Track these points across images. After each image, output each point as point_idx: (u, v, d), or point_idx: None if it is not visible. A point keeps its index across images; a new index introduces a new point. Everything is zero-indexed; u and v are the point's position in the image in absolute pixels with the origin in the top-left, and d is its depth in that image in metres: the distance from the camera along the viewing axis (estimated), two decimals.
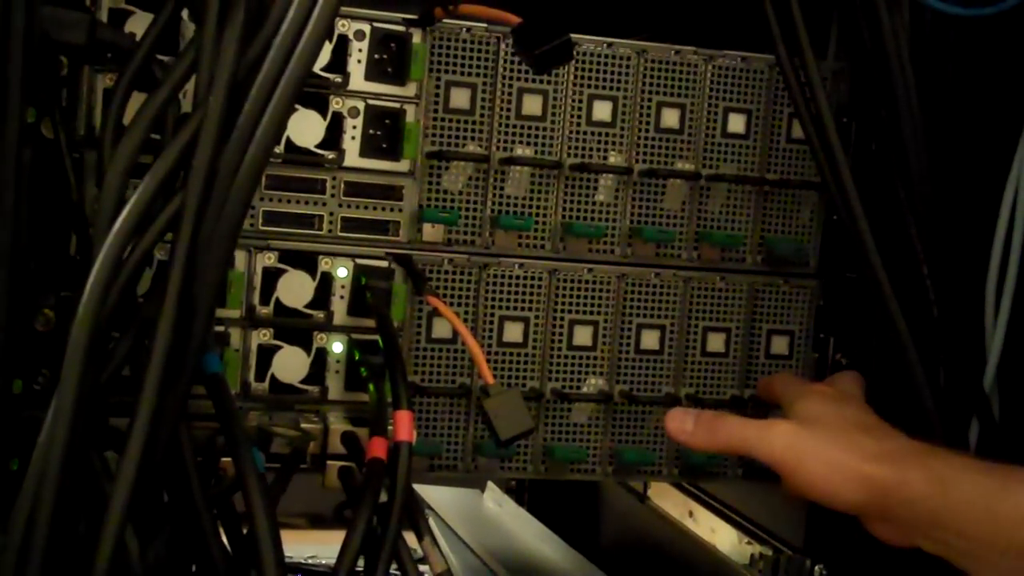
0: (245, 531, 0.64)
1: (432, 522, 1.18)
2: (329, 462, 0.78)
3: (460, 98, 0.82)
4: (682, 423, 0.78)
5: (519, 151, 0.83)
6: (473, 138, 0.82)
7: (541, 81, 0.83)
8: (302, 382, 0.80)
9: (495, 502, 1.33)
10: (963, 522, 0.68)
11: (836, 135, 0.78)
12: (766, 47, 0.85)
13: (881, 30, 0.78)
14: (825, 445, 0.73)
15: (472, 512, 1.30)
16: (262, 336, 0.79)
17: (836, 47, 0.90)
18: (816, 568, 0.91)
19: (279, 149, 0.78)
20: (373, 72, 0.79)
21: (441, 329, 0.82)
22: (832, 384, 0.82)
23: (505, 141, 0.83)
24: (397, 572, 0.69)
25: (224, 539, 0.69)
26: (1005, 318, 0.78)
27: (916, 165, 0.79)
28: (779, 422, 0.76)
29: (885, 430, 0.75)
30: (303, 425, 0.78)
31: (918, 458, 0.71)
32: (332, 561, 0.67)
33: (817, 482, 0.72)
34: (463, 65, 0.82)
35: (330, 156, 0.79)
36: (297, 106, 0.77)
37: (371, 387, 0.78)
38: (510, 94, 0.83)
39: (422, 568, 0.71)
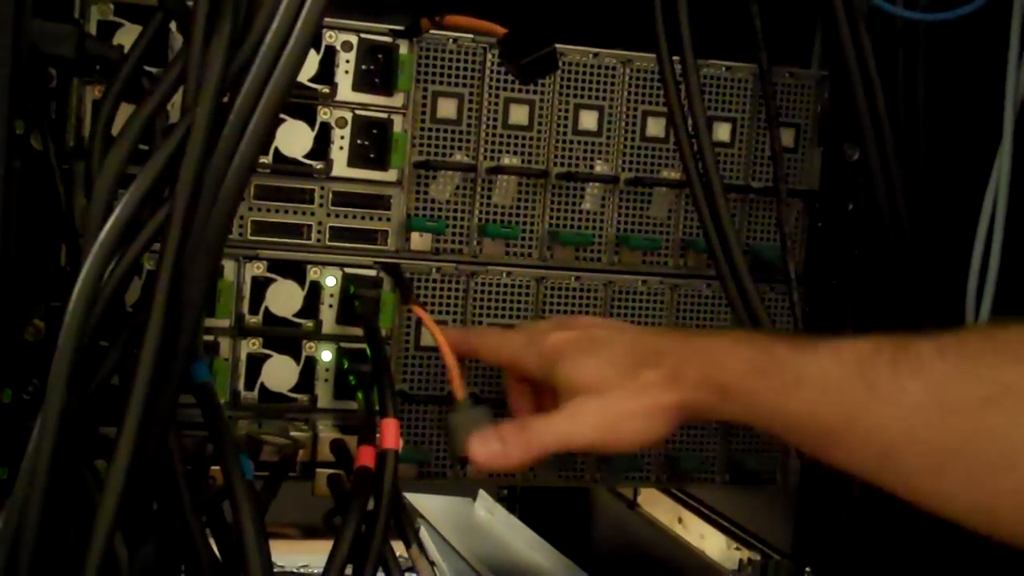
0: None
1: (424, 531, 1.19)
2: (318, 470, 0.79)
3: (447, 108, 0.82)
4: (487, 447, 0.72)
5: (506, 160, 0.84)
6: (460, 148, 0.83)
7: (527, 91, 0.84)
8: (291, 390, 0.81)
9: (486, 510, 1.33)
10: (756, 412, 0.66)
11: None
12: (750, 57, 0.86)
13: (840, 38, 0.79)
14: (619, 402, 0.70)
15: (463, 520, 1.30)
16: (251, 345, 0.80)
17: (820, 56, 0.91)
18: (804, 572, 0.91)
19: (268, 159, 0.78)
20: (361, 83, 0.80)
21: (429, 337, 0.83)
22: (559, 324, 0.79)
23: (492, 150, 0.83)
24: None
25: (213, 547, 0.69)
26: (986, 320, 0.79)
27: (894, 172, 0.80)
28: (576, 404, 0.71)
29: (644, 346, 0.72)
30: (292, 433, 0.79)
31: (690, 368, 0.68)
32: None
33: (630, 438, 0.70)
34: (450, 75, 0.82)
35: (318, 166, 0.80)
36: (285, 117, 0.78)
37: (360, 395, 0.79)
38: (497, 104, 0.83)
39: None
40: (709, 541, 1.01)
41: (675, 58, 0.80)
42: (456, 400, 0.76)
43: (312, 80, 0.79)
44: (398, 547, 0.71)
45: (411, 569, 0.72)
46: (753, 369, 0.66)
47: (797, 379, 0.64)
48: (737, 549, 0.97)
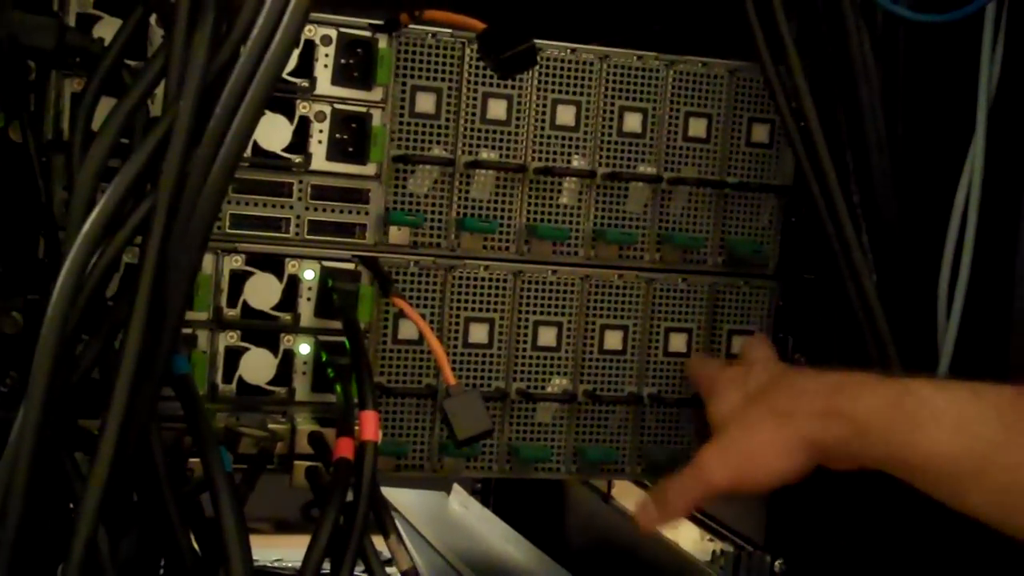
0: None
1: (398, 524, 1.19)
2: (296, 462, 0.79)
3: (426, 102, 0.83)
4: (647, 514, 0.80)
5: (484, 155, 0.84)
6: (439, 142, 0.83)
7: (506, 86, 0.84)
8: (269, 383, 0.81)
9: (460, 504, 1.33)
10: (889, 448, 0.67)
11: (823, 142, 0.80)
12: (726, 53, 0.87)
13: (847, 31, 0.79)
14: (753, 438, 0.74)
15: (438, 514, 1.30)
16: (229, 338, 0.80)
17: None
18: (776, 564, 0.92)
19: (246, 153, 0.78)
20: (340, 77, 0.80)
21: (407, 330, 0.83)
22: (743, 360, 0.84)
23: (470, 145, 0.84)
24: (363, 573, 0.70)
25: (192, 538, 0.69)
26: (957, 318, 0.80)
27: (877, 165, 0.81)
28: (702, 453, 0.77)
29: (789, 384, 0.76)
30: (270, 426, 0.79)
31: (825, 401, 0.71)
32: (298, 564, 0.68)
33: (762, 475, 0.74)
34: (429, 70, 0.83)
35: (297, 160, 0.80)
36: (264, 110, 0.78)
37: (338, 388, 0.79)
38: (475, 99, 0.84)
39: (388, 570, 0.71)
40: (682, 533, 1.02)
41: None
42: (448, 386, 0.77)
43: (291, 74, 0.79)
44: (376, 540, 0.72)
45: (389, 561, 0.73)
46: (888, 404, 0.68)
47: (933, 415, 0.65)
48: (710, 541, 0.98)
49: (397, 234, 0.83)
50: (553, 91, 0.85)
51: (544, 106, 0.85)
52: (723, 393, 0.81)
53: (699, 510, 1.00)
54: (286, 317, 0.80)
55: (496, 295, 0.85)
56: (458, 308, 0.85)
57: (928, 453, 0.66)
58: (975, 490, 0.64)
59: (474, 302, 0.85)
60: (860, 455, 0.70)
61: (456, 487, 1.35)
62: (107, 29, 0.73)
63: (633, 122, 0.87)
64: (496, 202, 0.85)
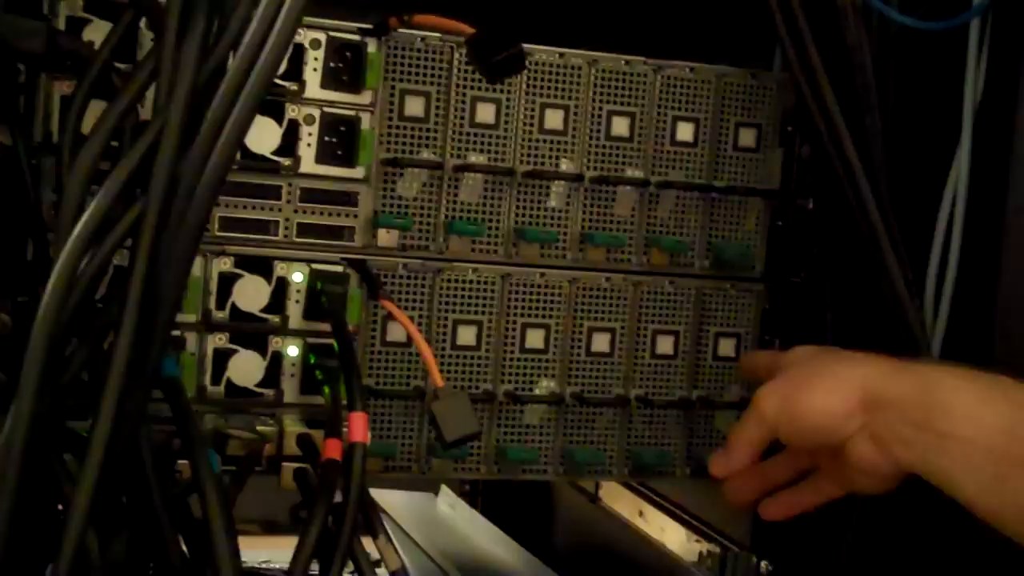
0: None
1: (386, 525, 1.19)
2: (284, 464, 0.79)
3: (415, 106, 0.83)
4: (718, 463, 0.82)
5: (472, 158, 0.85)
6: (427, 145, 0.84)
7: (494, 90, 0.84)
8: (258, 385, 0.81)
9: (448, 505, 1.34)
10: (949, 422, 0.68)
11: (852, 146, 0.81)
12: (713, 57, 0.87)
13: (846, 38, 0.80)
14: (808, 374, 0.76)
15: (426, 515, 1.31)
16: (218, 340, 0.80)
17: (782, 58, 0.92)
18: (762, 564, 0.93)
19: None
20: (329, 80, 0.81)
21: (395, 333, 0.84)
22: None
23: (459, 148, 0.84)
24: (352, 574, 0.70)
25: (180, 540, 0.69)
26: (944, 319, 0.81)
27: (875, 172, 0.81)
28: (758, 391, 0.78)
29: (863, 354, 0.77)
30: (259, 428, 0.79)
31: (903, 364, 0.73)
32: (286, 566, 0.68)
33: (815, 406, 0.74)
34: (418, 74, 0.83)
35: (286, 163, 0.80)
36: (256, 115, 0.78)
37: (326, 390, 0.79)
38: (464, 102, 0.84)
39: (377, 571, 0.72)
40: (669, 534, 1.03)
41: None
42: (436, 388, 0.77)
43: (280, 77, 0.79)
44: (365, 541, 0.72)
45: (378, 562, 0.73)
46: (950, 375, 0.70)
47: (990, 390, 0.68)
48: (697, 542, 0.99)
49: (386, 237, 0.83)
50: (541, 95, 0.86)
51: (532, 110, 0.86)
52: (785, 356, 0.82)
53: (671, 507, 1.00)
54: (275, 319, 0.81)
55: (484, 298, 0.86)
56: (446, 310, 0.85)
57: (985, 425, 0.67)
58: (1021, 478, 0.65)
59: (462, 304, 0.85)
60: (899, 430, 0.71)
61: (444, 488, 1.35)
62: (97, 32, 0.73)
63: (621, 126, 0.88)
64: (484, 205, 0.85)
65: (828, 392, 0.74)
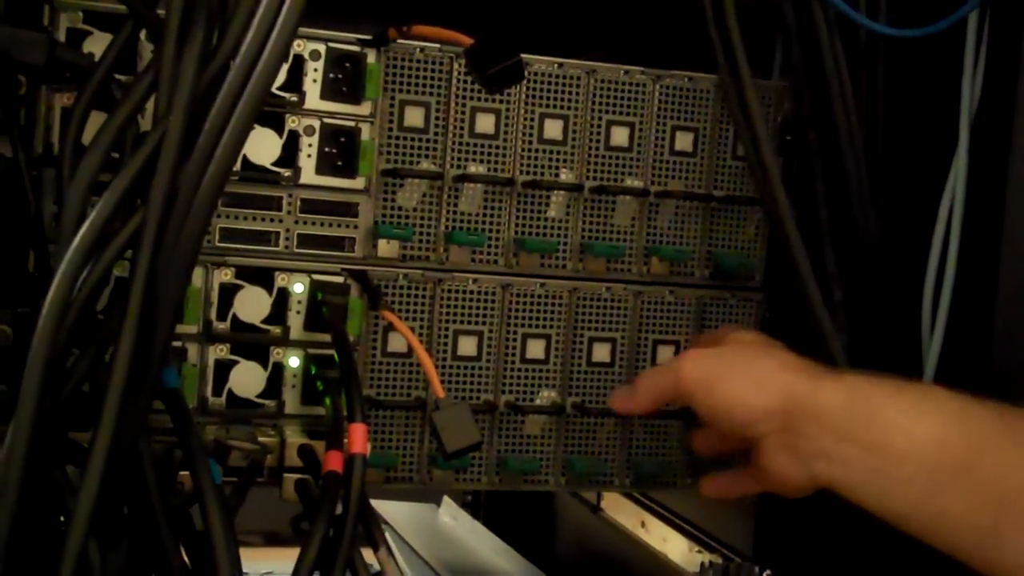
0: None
1: (388, 536, 1.19)
2: (286, 475, 0.79)
3: (414, 117, 0.83)
4: (621, 399, 0.84)
5: (472, 168, 0.85)
6: (427, 156, 0.84)
7: (493, 100, 0.85)
8: (259, 396, 0.81)
9: (450, 516, 1.34)
10: (878, 433, 0.67)
11: (771, 154, 0.82)
12: (712, 67, 0.87)
13: (820, 49, 0.80)
14: (738, 360, 0.76)
15: (428, 526, 1.31)
16: (219, 351, 0.80)
17: (780, 66, 0.92)
18: (765, 574, 0.92)
19: (236, 166, 0.78)
20: (328, 91, 0.81)
21: (396, 343, 0.84)
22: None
23: (458, 159, 0.84)
24: None
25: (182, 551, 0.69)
26: (941, 330, 0.81)
27: (856, 180, 0.81)
28: (684, 352, 0.80)
29: (796, 356, 0.76)
30: (260, 438, 0.79)
31: (832, 372, 0.73)
32: None
33: (734, 393, 0.74)
34: (417, 84, 0.83)
35: (286, 174, 0.80)
36: (254, 124, 0.78)
37: (327, 401, 0.79)
38: (463, 113, 0.84)
39: None
40: (671, 544, 1.03)
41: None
42: (437, 398, 0.77)
43: (280, 88, 0.79)
44: (366, 553, 0.72)
45: (379, 574, 0.73)
46: (881, 390, 0.69)
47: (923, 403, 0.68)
48: (699, 552, 0.98)
49: (386, 247, 0.83)
50: (540, 105, 0.86)
51: (532, 120, 0.86)
52: (724, 333, 0.84)
53: (673, 517, 1.00)
54: (276, 330, 0.81)
55: (485, 308, 0.86)
56: (447, 321, 0.85)
57: (917, 437, 0.65)
58: (954, 489, 0.64)
59: (463, 315, 0.85)
60: (820, 442, 0.69)
61: (446, 499, 1.35)
62: (97, 44, 0.73)
63: (620, 136, 0.88)
64: (484, 215, 0.85)
65: (752, 386, 0.74)
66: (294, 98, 0.80)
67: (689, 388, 0.77)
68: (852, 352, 0.81)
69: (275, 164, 0.80)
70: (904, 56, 0.83)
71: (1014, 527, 0.62)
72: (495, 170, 0.85)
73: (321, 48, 0.80)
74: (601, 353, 0.89)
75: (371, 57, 0.81)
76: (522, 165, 0.86)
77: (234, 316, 0.80)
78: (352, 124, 0.81)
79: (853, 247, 0.84)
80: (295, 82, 0.80)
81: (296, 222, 0.81)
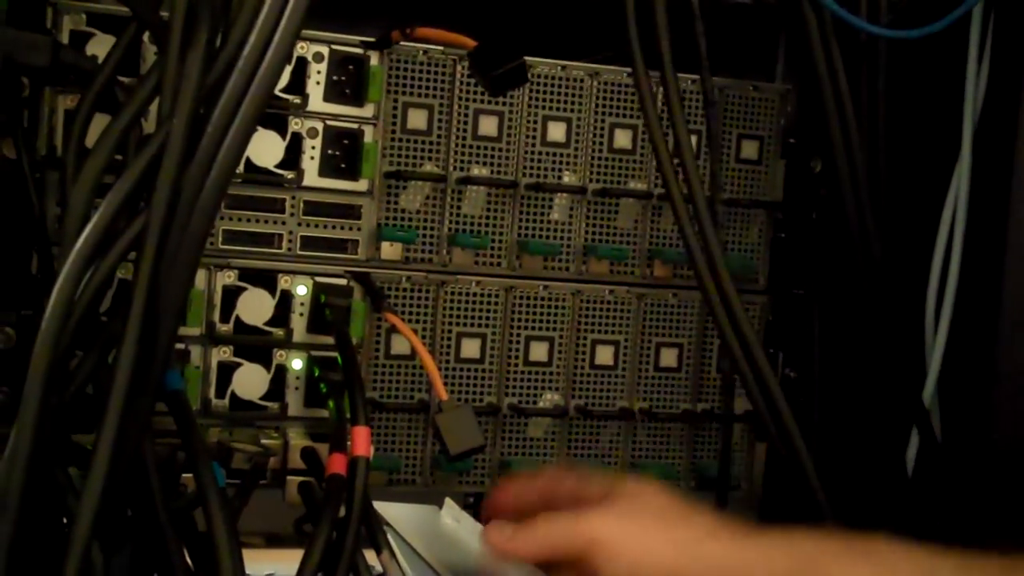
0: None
1: (390, 537, 1.19)
2: (289, 477, 0.80)
3: (417, 119, 0.83)
4: (501, 532, 0.72)
5: (475, 171, 0.85)
6: (430, 158, 0.84)
7: (497, 103, 0.85)
8: (262, 398, 0.81)
9: (453, 518, 1.33)
10: None
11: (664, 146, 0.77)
12: (715, 69, 0.87)
13: (812, 54, 0.80)
14: (655, 524, 0.66)
15: (430, 528, 1.30)
16: (222, 353, 0.80)
17: (784, 69, 0.92)
18: None
19: (239, 169, 0.79)
20: (332, 93, 0.81)
21: (399, 346, 0.84)
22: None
23: (462, 161, 0.84)
24: None
25: (185, 555, 0.69)
26: (944, 332, 0.81)
27: (859, 183, 0.81)
28: (593, 514, 0.67)
29: (705, 515, 0.68)
30: (263, 441, 0.80)
31: (765, 537, 0.65)
32: None
33: (648, 559, 0.64)
34: (420, 87, 0.83)
35: (289, 176, 0.80)
36: (257, 127, 0.78)
37: (331, 403, 0.79)
38: (466, 115, 0.84)
39: None
40: None
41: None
42: (440, 401, 0.77)
43: (283, 90, 0.79)
44: (369, 555, 0.72)
45: None
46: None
47: None
48: None
49: (389, 250, 0.83)
50: (544, 108, 0.86)
51: (535, 123, 0.86)
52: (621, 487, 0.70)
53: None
54: (279, 332, 0.81)
55: (488, 310, 0.86)
56: (450, 323, 0.85)
57: None
58: None
59: (466, 317, 0.85)
60: None
61: (448, 501, 1.34)
62: (100, 47, 0.74)
63: (623, 139, 0.88)
64: (487, 218, 0.85)
65: (670, 553, 0.64)
66: (297, 100, 0.80)
67: (591, 548, 0.65)
68: (854, 355, 0.81)
69: (278, 166, 0.80)
70: (907, 58, 0.83)
71: None
72: (498, 172, 0.85)
73: (324, 50, 0.80)
74: (604, 356, 0.89)
75: (374, 59, 0.81)
76: (525, 167, 0.86)
77: (237, 318, 0.80)
78: (355, 126, 0.82)
79: (855, 252, 0.83)
80: (298, 84, 0.80)
81: (299, 224, 0.81)
